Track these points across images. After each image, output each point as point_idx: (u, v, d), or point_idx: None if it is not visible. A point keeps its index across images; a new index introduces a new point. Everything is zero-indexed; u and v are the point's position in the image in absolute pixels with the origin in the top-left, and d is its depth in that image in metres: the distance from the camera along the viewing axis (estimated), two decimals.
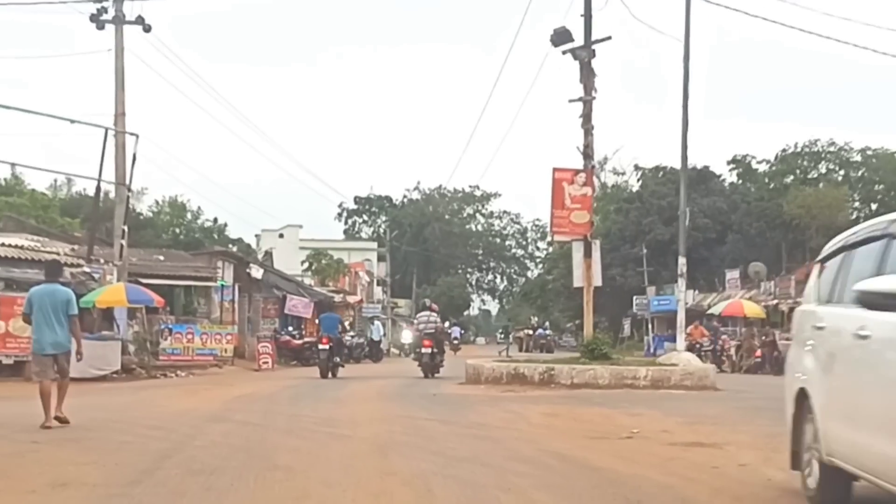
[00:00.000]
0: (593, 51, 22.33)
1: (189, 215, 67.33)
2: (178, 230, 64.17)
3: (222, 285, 32.60)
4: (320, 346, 24.71)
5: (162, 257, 33.69)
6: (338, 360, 25.35)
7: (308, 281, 48.61)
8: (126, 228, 27.75)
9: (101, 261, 27.59)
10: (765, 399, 15.60)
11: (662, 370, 20.53)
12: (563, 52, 22.27)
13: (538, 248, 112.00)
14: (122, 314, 28.30)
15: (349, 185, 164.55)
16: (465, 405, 15.87)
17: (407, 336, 47.16)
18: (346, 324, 37.99)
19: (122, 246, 27.68)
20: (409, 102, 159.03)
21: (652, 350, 59.00)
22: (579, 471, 8.47)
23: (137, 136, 27.76)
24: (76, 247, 28.94)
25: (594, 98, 22.48)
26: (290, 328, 37.71)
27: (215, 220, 68.19)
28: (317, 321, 30.62)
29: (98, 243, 29.76)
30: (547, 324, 61.89)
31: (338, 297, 43.24)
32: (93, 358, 25.20)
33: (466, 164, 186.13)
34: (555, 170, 22.95)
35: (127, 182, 27.82)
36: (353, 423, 12.51)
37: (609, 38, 22.68)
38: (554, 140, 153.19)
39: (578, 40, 22.19)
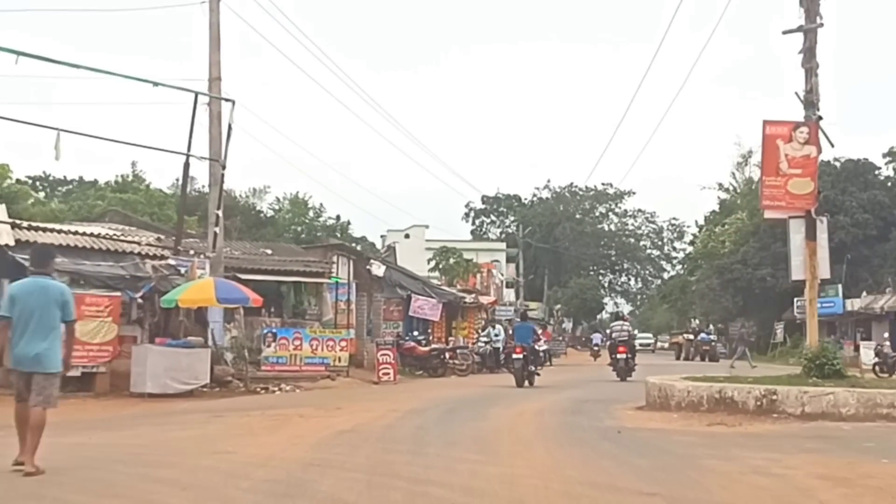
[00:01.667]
0: None
1: (311, 213, 62.95)
2: (298, 228, 59.79)
3: (336, 282, 27.46)
4: (514, 356, 23.97)
5: (269, 251, 28.78)
6: (532, 368, 24.25)
7: (435, 280, 43.40)
8: (220, 213, 22.83)
9: (192, 252, 22.69)
10: None
11: None
12: None
13: (674, 249, 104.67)
14: (216, 316, 23.44)
15: (477, 185, 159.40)
16: (676, 455, 10.21)
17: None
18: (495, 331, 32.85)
19: (215, 234, 22.76)
20: (534, 100, 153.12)
21: None
22: None
23: (234, 103, 22.81)
24: (162, 237, 24.18)
25: (820, 25, 16.37)
26: (416, 333, 32.45)
27: (338, 217, 63.80)
28: (510, 331, 30.75)
29: (200, 236, 25.07)
30: (710, 328, 54.41)
31: (469, 298, 37.80)
32: (175, 369, 20.42)
33: (596, 161, 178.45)
34: (765, 123, 16.94)
35: (222, 158, 22.86)
36: None
37: None
38: (689, 136, 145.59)
39: None
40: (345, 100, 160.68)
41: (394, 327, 34.14)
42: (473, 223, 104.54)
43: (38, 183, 67.03)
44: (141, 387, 19.77)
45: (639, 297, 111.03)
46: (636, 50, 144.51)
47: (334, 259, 30.66)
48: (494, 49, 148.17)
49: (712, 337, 52.37)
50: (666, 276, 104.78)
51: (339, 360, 25.15)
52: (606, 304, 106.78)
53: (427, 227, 77.55)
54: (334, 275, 27.39)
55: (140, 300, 20.97)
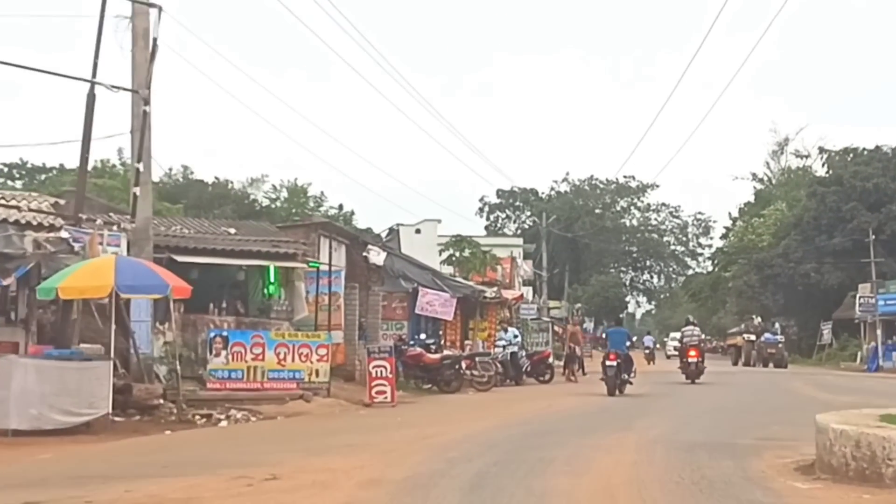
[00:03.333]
0: None
1: (311, 202, 55.90)
2: (297, 218, 52.65)
3: (317, 269, 20.24)
4: (608, 363, 21.96)
5: (233, 230, 21.55)
6: (626, 376, 22.16)
7: (448, 270, 36.20)
8: (141, 167, 15.62)
9: (99, 222, 15.50)
10: None
11: None
12: None
13: (700, 245, 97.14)
14: (143, 314, 16.30)
15: (493, 179, 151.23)
16: None
17: None
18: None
19: (134, 196, 15.58)
20: (550, 95, 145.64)
21: (877, 363, 44.16)
22: None
23: (160, 9, 15.62)
24: (61, 201, 17.02)
25: None
26: (423, 336, 25.19)
27: (340, 206, 56.77)
28: (603, 335, 29.98)
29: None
30: (777, 326, 45.96)
31: (490, 292, 30.35)
32: (58, 393, 13.23)
33: (616, 154, 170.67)
34: None
35: (146, 86, 15.67)
36: None
37: None
38: (713, 127, 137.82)
39: None
40: (353, 83, 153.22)
41: (397, 328, 26.93)
42: (488, 218, 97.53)
43: (14, 171, 60.88)
44: (3, 420, 12.72)
45: (661, 295, 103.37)
46: (646, 46, 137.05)
47: (321, 243, 23.54)
48: (521, 55, 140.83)
49: (779, 338, 44.06)
50: (690, 273, 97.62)
51: (317, 374, 17.95)
52: (629, 302, 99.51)
53: (440, 221, 70.58)
54: (314, 259, 20.12)
55: (13, 290, 13.87)
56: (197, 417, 15.60)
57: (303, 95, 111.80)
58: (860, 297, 47.79)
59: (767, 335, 44.27)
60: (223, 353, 17.33)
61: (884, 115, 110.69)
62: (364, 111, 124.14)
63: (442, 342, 25.72)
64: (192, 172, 64.57)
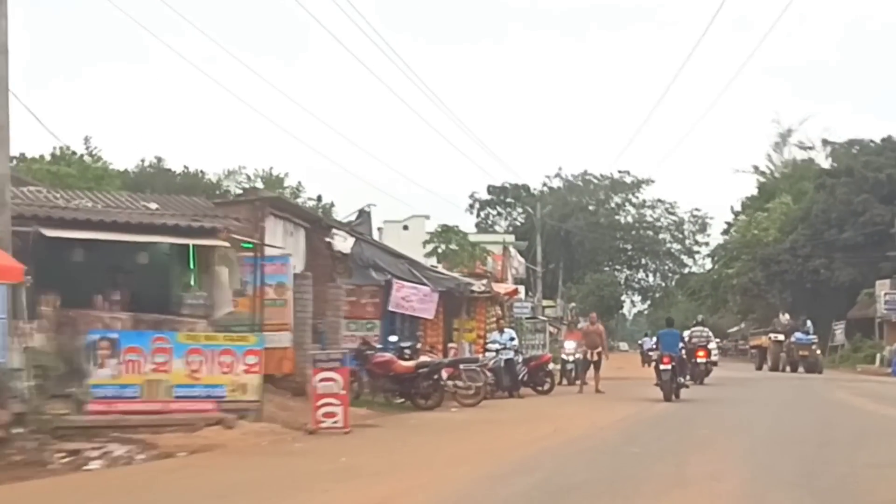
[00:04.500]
0: None
1: (287, 192, 51.07)
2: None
3: (254, 252, 15.34)
4: (662, 367, 20.16)
5: (154, 205, 16.67)
6: (681, 380, 20.32)
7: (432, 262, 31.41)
8: None
9: None
10: None
11: None
12: None
13: (696, 242, 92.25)
14: None
15: (484, 174, 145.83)
16: None
17: (570, 347, 29.04)
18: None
19: None
20: (538, 89, 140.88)
21: None
22: None
23: None
24: None
25: None
26: (395, 338, 20.29)
27: (319, 197, 51.88)
28: (654, 339, 26.44)
29: None
30: (809, 325, 40.04)
31: (478, 286, 25.21)
32: None
33: (610, 148, 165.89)
34: None
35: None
36: None
37: None
38: (710, 121, 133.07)
39: None
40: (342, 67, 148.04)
41: (367, 328, 22.04)
42: (478, 215, 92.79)
43: None
44: None
45: (657, 294, 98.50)
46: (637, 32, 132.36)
47: (272, 224, 18.74)
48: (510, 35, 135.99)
49: (812, 338, 38.25)
50: (686, 271, 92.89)
51: (244, 390, 13.12)
52: (624, 301, 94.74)
53: (428, 217, 66.20)
54: (249, 240, 15.21)
55: None
56: (60, 456, 10.81)
57: (283, 78, 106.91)
58: (886, 294, 42.96)
59: (798, 335, 38.22)
60: (111, 362, 12.49)
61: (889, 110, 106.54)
62: (347, 97, 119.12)
63: (420, 345, 20.79)
64: (164, 163, 60.00)
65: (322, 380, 13.40)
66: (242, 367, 13.14)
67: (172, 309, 13.72)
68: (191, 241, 13.47)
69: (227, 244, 13.64)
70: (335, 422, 13.33)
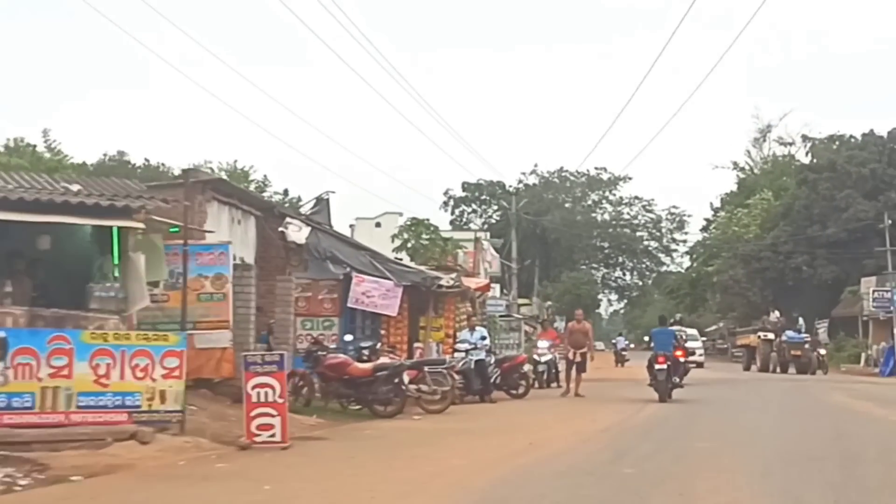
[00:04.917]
0: None
1: (252, 186, 48.81)
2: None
3: (183, 238, 13.23)
4: (657, 367, 19.31)
5: (77, 186, 14.55)
6: (676, 380, 19.61)
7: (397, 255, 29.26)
8: None
9: None
10: None
11: None
12: None
13: (674, 241, 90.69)
14: None
15: (460, 169, 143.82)
16: None
17: (544, 346, 27.07)
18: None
19: None
20: (518, 86, 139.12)
21: (893, 365, 37.44)
22: None
23: None
24: None
25: None
26: (351, 336, 18.22)
27: (285, 191, 49.71)
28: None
29: None
30: (801, 321, 38.00)
31: (447, 280, 23.04)
32: None
33: (586, 145, 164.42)
34: None
35: None
36: None
37: None
38: (687, 117, 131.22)
39: None
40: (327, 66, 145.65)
41: (324, 326, 19.99)
42: (453, 212, 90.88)
43: None
44: None
45: (634, 293, 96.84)
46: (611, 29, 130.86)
47: (217, 210, 16.70)
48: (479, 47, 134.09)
49: (805, 336, 36.35)
50: (663, 269, 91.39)
51: (164, 399, 11.04)
52: (601, 300, 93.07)
53: (401, 214, 64.08)
54: (176, 224, 13.09)
55: None
56: None
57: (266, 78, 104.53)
58: (873, 292, 41.25)
59: (790, 333, 36.38)
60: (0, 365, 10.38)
61: (872, 109, 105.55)
62: (324, 92, 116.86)
63: (380, 345, 18.71)
64: (126, 157, 57.65)
65: (256, 386, 11.32)
66: (161, 371, 11.03)
67: (78, 302, 11.57)
68: (96, 222, 11.33)
69: (140, 226, 11.51)
70: (272, 435, 11.24)
